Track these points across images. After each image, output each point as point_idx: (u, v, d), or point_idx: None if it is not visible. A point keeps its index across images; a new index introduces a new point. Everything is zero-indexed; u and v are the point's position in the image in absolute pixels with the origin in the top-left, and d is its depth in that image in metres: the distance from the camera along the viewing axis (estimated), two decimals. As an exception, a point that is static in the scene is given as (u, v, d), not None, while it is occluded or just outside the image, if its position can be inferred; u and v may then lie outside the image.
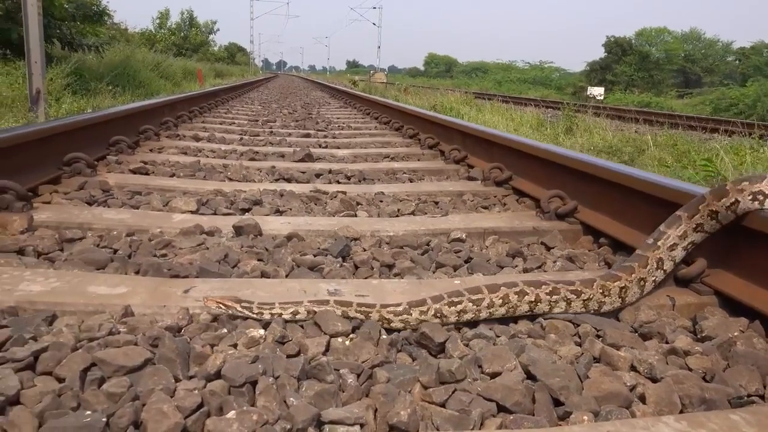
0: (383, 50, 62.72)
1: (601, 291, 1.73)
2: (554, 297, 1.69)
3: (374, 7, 64.73)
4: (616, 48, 58.28)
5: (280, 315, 1.60)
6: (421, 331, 1.52)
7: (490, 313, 1.66)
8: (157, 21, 50.19)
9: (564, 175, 2.94)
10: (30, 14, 9.10)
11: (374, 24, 62.91)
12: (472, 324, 1.67)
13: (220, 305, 1.59)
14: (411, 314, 1.60)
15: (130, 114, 4.84)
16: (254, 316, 1.60)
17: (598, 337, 1.60)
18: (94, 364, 1.33)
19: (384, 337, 1.54)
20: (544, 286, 1.69)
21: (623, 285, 1.75)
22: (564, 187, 2.88)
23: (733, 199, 1.81)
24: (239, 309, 1.59)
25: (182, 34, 51.20)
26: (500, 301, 1.65)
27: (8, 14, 12.95)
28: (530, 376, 1.37)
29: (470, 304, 1.63)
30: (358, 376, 1.36)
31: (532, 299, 1.67)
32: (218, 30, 57.83)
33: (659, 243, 1.84)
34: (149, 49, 27.58)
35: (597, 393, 1.30)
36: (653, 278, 1.82)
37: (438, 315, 1.61)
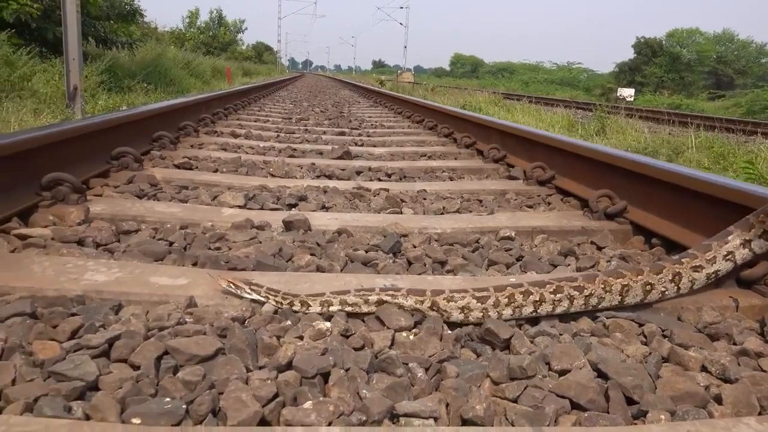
0: (409, 50, 62.65)
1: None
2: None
3: (401, 7, 64.69)
4: (646, 49, 57.51)
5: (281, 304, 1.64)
6: (486, 327, 1.51)
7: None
8: (187, 20, 50.81)
9: (612, 175, 2.90)
10: (69, 12, 9.26)
11: (401, 24, 62.90)
12: (532, 321, 1.66)
13: (231, 284, 1.65)
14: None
15: (171, 110, 4.91)
16: (261, 298, 1.64)
17: (665, 336, 1.57)
18: (166, 353, 1.35)
19: (449, 332, 1.53)
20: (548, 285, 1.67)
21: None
22: (612, 187, 2.84)
23: None
24: (248, 290, 1.64)
25: (211, 33, 51.72)
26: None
27: (45, 13, 13.20)
28: (601, 374, 1.35)
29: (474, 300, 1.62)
30: (426, 370, 1.36)
31: (537, 299, 1.64)
32: (246, 29, 58.39)
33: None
34: (179, 47, 27.92)
35: (672, 392, 1.28)
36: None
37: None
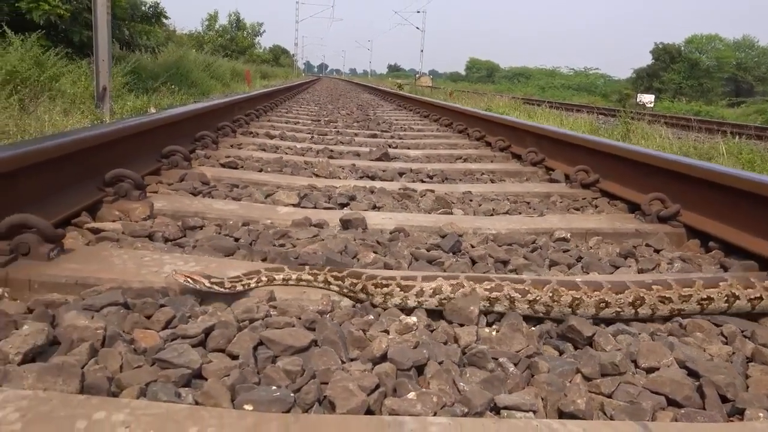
0: (425, 54, 62.72)
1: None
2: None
3: (418, 11, 64.76)
4: (665, 55, 57.13)
5: (249, 285, 1.67)
6: (569, 324, 1.52)
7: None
8: (206, 23, 51.21)
9: (663, 178, 2.90)
10: (100, 15, 9.39)
11: (418, 28, 63.01)
12: (608, 321, 1.67)
13: (188, 279, 1.58)
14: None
15: (209, 111, 4.97)
16: (225, 290, 1.61)
17: (746, 337, 1.58)
18: (260, 343, 1.38)
19: (532, 329, 1.55)
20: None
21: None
22: (663, 190, 2.84)
23: None
24: (207, 285, 1.59)
25: (229, 36, 52.08)
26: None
27: (73, 16, 13.38)
28: (690, 372, 1.36)
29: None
30: (516, 365, 1.37)
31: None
32: (264, 32, 58.68)
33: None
34: (198, 50, 28.14)
35: (767, 391, 1.29)
36: None
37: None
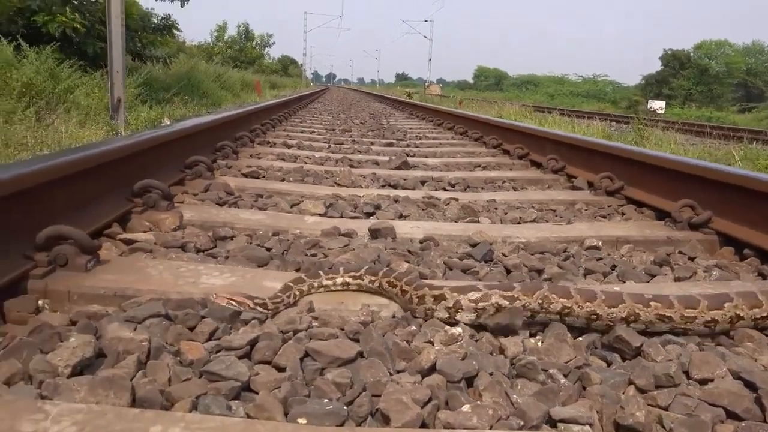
0: (432, 62, 62.86)
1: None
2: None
3: (426, 20, 65.03)
4: (674, 61, 56.95)
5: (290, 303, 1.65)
6: (617, 334, 1.50)
7: None
8: (215, 34, 51.57)
9: (692, 184, 2.87)
10: (114, 27, 9.47)
11: (425, 37, 63.17)
12: (649, 333, 1.64)
13: (231, 302, 1.54)
14: None
15: (229, 121, 4.98)
16: (268, 311, 1.58)
17: (796, 347, 1.55)
18: (306, 355, 1.37)
19: (580, 339, 1.53)
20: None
21: None
22: (693, 197, 2.81)
23: None
24: (251, 306, 1.55)
25: (238, 47, 52.42)
26: None
27: (87, 29, 13.48)
28: (746, 384, 1.33)
29: None
30: (566, 376, 1.35)
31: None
32: (274, 43, 59.03)
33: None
34: (208, 61, 28.34)
35: (827, 402, 1.25)
36: None
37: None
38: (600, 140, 4.09)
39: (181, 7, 15.62)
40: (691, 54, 57.67)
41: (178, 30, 17.49)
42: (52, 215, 1.94)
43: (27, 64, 10.47)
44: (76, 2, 13.68)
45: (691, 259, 2.40)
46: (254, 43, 55.58)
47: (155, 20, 16.66)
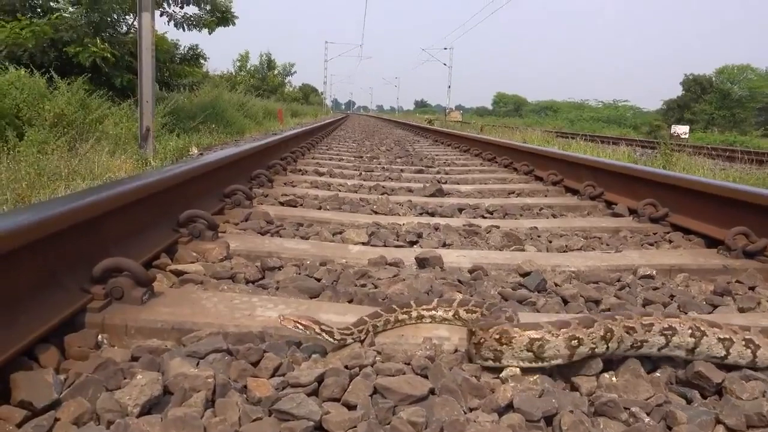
0: (451, 89, 63.22)
1: None
2: None
3: (445, 48, 65.57)
4: (695, 86, 56.70)
5: (360, 338, 1.58)
6: (696, 369, 1.43)
7: None
8: (238, 63, 52.47)
9: (743, 211, 2.80)
10: (144, 58, 9.63)
11: (445, 64, 63.64)
12: (728, 366, 1.56)
13: (297, 325, 1.50)
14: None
15: (261, 150, 5.01)
16: (334, 340, 1.53)
17: None
18: (375, 392, 1.32)
19: (657, 374, 1.46)
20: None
21: None
22: (745, 223, 2.73)
23: None
24: (318, 330, 1.51)
25: (260, 75, 53.24)
26: None
27: (116, 62, 13.78)
28: (843, 424, 1.26)
29: None
30: (649, 414, 1.29)
31: None
32: (295, 72, 59.96)
33: None
34: (231, 90, 28.78)
35: None
36: None
37: None
38: (642, 167, 4.03)
39: (209, 34, 15.84)
40: (713, 78, 57.36)
41: (204, 59, 17.85)
42: (105, 247, 1.93)
43: (59, 95, 10.70)
44: (106, 35, 14.02)
45: (752, 288, 2.32)
46: (276, 71, 56.47)
47: (182, 51, 17.02)
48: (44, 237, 1.54)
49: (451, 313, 1.71)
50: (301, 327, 1.50)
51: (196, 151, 10.50)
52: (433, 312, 1.72)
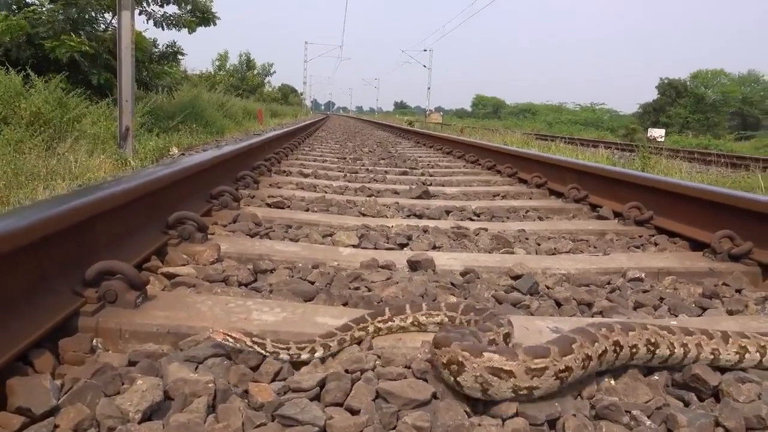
0: (431, 91, 63.40)
1: None
2: None
3: (425, 50, 65.73)
4: (670, 90, 57.58)
5: (299, 355, 1.47)
6: (693, 372, 1.45)
7: None
8: (217, 63, 52.05)
9: (728, 214, 2.84)
10: (124, 56, 9.50)
11: (424, 66, 63.83)
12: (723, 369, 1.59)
13: (227, 338, 1.43)
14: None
15: (246, 151, 4.97)
16: (267, 353, 1.44)
17: None
18: (377, 396, 1.32)
19: (655, 377, 1.48)
20: None
21: None
22: (729, 227, 2.77)
23: None
24: (249, 343, 1.43)
25: (239, 75, 52.87)
26: None
27: (93, 58, 13.56)
28: (839, 425, 1.28)
29: None
30: (649, 417, 1.30)
31: None
32: (275, 72, 59.64)
33: None
34: (210, 90, 28.54)
35: None
36: None
37: None
38: (626, 170, 4.08)
39: (189, 33, 15.69)
40: (688, 83, 58.33)
41: (182, 55, 17.63)
42: (95, 250, 1.90)
43: (35, 94, 10.50)
44: (83, 32, 13.79)
45: (738, 291, 2.36)
46: (255, 71, 56.13)
47: (159, 48, 16.81)
48: (37, 240, 1.51)
49: (409, 321, 1.70)
50: (231, 340, 1.43)
51: (176, 151, 10.38)
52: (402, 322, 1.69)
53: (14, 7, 14.23)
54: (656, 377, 1.48)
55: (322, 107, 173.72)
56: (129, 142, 9.71)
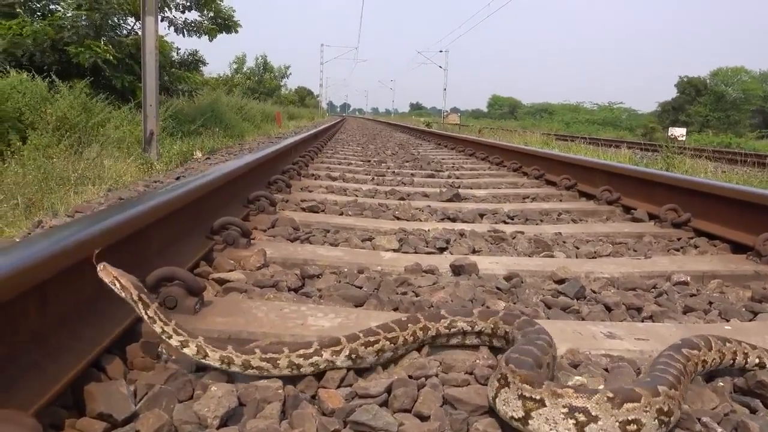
0: (446, 92, 63.30)
1: None
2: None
3: (441, 51, 65.71)
4: (690, 88, 56.99)
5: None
6: (759, 379, 1.44)
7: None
8: (234, 66, 52.43)
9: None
10: (148, 62, 9.60)
11: (440, 67, 63.75)
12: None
13: (115, 281, 1.38)
14: (321, 355, 1.42)
15: (276, 156, 5.01)
16: (146, 316, 1.38)
17: None
18: (445, 402, 1.32)
19: (720, 383, 1.47)
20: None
21: None
22: (772, 229, 2.75)
23: None
24: (135, 298, 1.37)
25: (256, 78, 53.21)
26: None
27: (117, 64, 13.72)
28: None
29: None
30: (719, 423, 1.29)
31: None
32: (291, 74, 59.98)
33: None
34: (228, 93, 28.75)
35: None
36: None
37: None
38: (663, 171, 4.06)
39: (210, 41, 15.83)
40: (708, 81, 57.67)
41: (204, 64, 17.84)
42: (149, 257, 1.94)
43: (60, 99, 10.65)
44: (106, 37, 13.97)
45: (787, 294, 2.33)
46: (272, 74, 56.46)
47: (182, 55, 16.98)
48: (105, 248, 1.54)
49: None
50: (117, 286, 1.38)
51: (200, 155, 10.47)
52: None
53: (38, 13, 14.48)
54: (720, 383, 1.48)
55: (338, 109, 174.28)
56: (153, 146, 9.82)
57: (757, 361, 1.54)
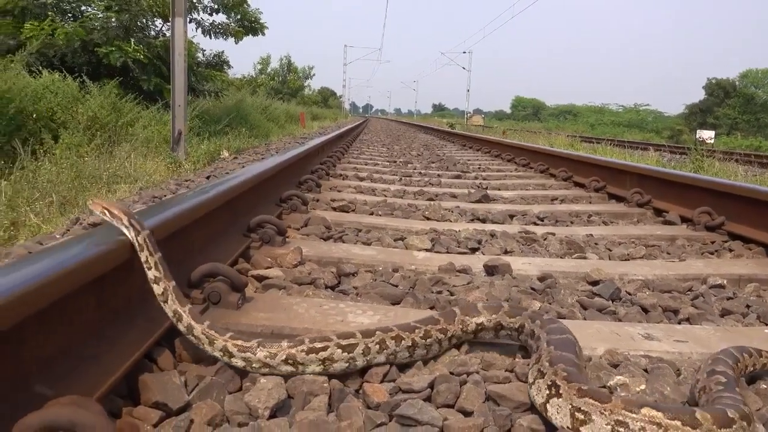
0: (470, 93, 63.06)
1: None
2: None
3: (464, 52, 65.51)
4: (718, 90, 56.07)
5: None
6: (803, 381, 1.44)
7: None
8: (259, 66, 52.86)
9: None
10: (177, 62, 9.72)
11: (464, 68, 63.56)
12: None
13: (105, 212, 1.45)
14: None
15: (305, 156, 5.06)
16: (137, 243, 1.43)
17: None
18: (487, 398, 1.34)
19: (763, 386, 1.47)
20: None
21: None
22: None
23: None
24: (126, 223, 1.42)
25: (280, 78, 53.58)
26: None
27: (146, 65, 13.93)
28: None
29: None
30: (764, 425, 1.29)
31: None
32: (314, 75, 60.32)
33: None
34: (252, 94, 28.96)
35: None
36: None
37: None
38: (695, 174, 4.03)
39: (236, 43, 15.99)
40: (737, 83, 56.71)
41: (229, 66, 18.01)
42: (192, 254, 1.98)
43: (91, 99, 10.84)
44: (135, 38, 14.19)
45: (826, 299, 2.31)
46: (296, 75, 56.82)
47: (205, 56, 17.17)
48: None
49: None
50: (108, 215, 1.44)
51: (227, 155, 10.60)
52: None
53: (69, 15, 14.75)
54: (763, 385, 1.47)
55: (360, 110, 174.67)
56: (181, 145, 9.94)
57: None
